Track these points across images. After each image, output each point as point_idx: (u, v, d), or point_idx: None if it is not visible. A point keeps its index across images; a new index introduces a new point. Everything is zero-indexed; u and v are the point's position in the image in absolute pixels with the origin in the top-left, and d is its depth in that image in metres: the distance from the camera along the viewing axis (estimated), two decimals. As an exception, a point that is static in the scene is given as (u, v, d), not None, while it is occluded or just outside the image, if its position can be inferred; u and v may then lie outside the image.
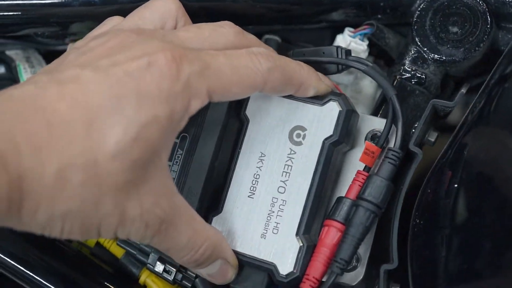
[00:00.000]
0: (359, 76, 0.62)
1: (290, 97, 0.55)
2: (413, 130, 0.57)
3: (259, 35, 0.64)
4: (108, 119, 0.42)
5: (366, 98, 0.63)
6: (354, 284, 0.55)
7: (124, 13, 0.59)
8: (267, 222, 0.54)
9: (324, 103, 0.54)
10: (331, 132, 0.53)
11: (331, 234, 0.52)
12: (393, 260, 0.53)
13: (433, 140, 0.57)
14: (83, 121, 0.41)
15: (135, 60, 0.44)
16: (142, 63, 0.44)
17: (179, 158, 0.55)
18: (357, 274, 0.55)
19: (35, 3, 0.59)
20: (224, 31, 0.51)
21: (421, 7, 0.58)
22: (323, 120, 0.54)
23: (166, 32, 0.50)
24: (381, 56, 0.64)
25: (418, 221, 0.53)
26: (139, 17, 0.52)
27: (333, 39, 0.63)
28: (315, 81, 0.53)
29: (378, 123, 0.56)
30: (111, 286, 0.59)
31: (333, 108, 0.54)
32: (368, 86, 0.63)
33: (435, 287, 0.52)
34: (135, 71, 0.44)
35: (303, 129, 0.54)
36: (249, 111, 0.56)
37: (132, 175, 0.43)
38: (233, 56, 0.48)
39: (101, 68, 0.44)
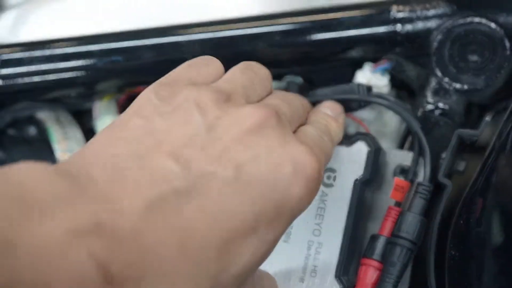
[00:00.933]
0: (382, 110, 0.63)
1: None
2: (441, 161, 0.58)
3: (279, 77, 0.66)
4: (244, 240, 0.39)
5: (391, 131, 0.64)
6: (395, 321, 0.56)
7: (147, 70, 0.61)
8: (305, 266, 0.54)
9: (352, 144, 0.55)
10: (361, 172, 0.54)
11: (369, 274, 0.53)
12: (432, 293, 0.53)
13: (461, 169, 0.58)
14: (218, 244, 0.37)
15: (279, 164, 0.41)
16: (287, 170, 0.41)
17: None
18: (398, 311, 0.55)
19: (62, 67, 0.61)
20: (298, 103, 0.50)
21: (438, 38, 0.59)
22: (352, 160, 0.55)
23: (290, 115, 0.47)
24: (404, 87, 0.64)
25: (453, 252, 0.53)
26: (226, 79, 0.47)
27: (354, 74, 0.64)
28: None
29: (404, 157, 0.57)
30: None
31: (361, 148, 0.55)
32: (392, 119, 0.63)
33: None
34: (279, 182, 0.41)
35: (333, 171, 0.55)
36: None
37: None
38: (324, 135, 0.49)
39: (243, 173, 0.39)
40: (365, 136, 0.55)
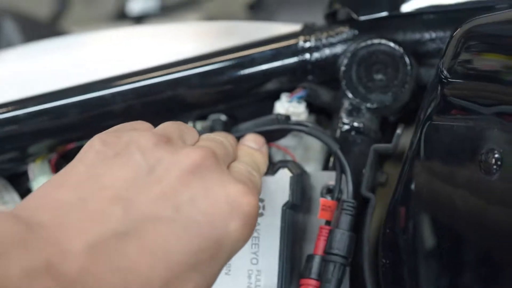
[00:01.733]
0: (304, 135, 0.66)
1: None
2: (363, 177, 0.61)
3: (204, 117, 0.69)
4: (186, 276, 0.41)
5: (316, 153, 0.67)
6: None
7: (74, 127, 0.63)
8: (248, 294, 0.57)
9: (275, 172, 0.58)
10: (287, 198, 0.57)
11: (308, 293, 0.56)
12: (371, 302, 0.57)
13: (383, 181, 0.61)
14: (161, 282, 0.40)
15: (216, 203, 0.44)
16: (224, 208, 0.44)
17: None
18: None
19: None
20: (227, 142, 0.53)
21: (345, 62, 0.63)
22: (278, 187, 0.57)
23: (225, 155, 0.50)
24: (321, 111, 0.68)
25: (384, 261, 0.56)
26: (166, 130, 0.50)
27: (273, 106, 0.68)
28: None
29: (329, 177, 0.60)
30: None
31: (284, 175, 0.58)
32: (314, 143, 0.67)
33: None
34: (217, 220, 0.43)
35: (261, 200, 0.58)
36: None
37: None
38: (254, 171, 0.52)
39: (182, 213, 0.42)
40: (287, 163, 0.58)
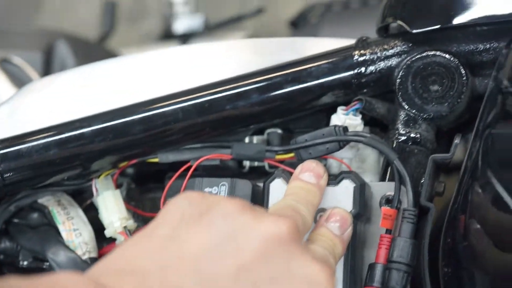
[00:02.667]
0: (360, 146, 0.68)
1: None
2: (421, 186, 0.62)
3: (261, 132, 0.71)
4: None
5: (371, 165, 0.68)
6: None
7: (138, 143, 0.65)
8: (312, 303, 0.58)
9: (338, 183, 0.59)
10: (350, 207, 0.58)
11: (372, 300, 0.57)
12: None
13: (441, 190, 0.62)
14: None
15: (296, 283, 0.44)
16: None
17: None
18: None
19: (58, 154, 0.65)
20: (308, 215, 0.53)
21: (400, 74, 0.64)
22: (341, 197, 0.59)
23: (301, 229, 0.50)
24: (376, 124, 0.69)
25: (446, 270, 0.57)
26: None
27: (329, 119, 0.69)
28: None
29: (387, 187, 0.62)
30: None
31: (347, 185, 0.59)
32: (370, 154, 0.68)
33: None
34: None
35: (324, 210, 0.59)
36: (272, 205, 0.61)
37: None
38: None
39: None
40: (349, 174, 0.59)
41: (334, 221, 0.55)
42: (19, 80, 1.09)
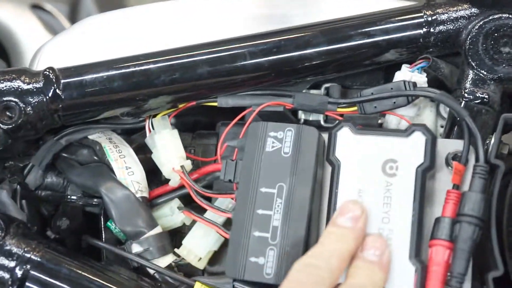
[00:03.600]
0: (420, 107, 0.67)
1: (374, 133, 0.60)
2: (488, 145, 0.62)
3: (318, 86, 0.70)
4: None
5: (428, 126, 0.68)
6: (462, 299, 0.59)
7: (201, 85, 0.64)
8: (378, 252, 0.57)
9: (410, 134, 0.59)
10: (421, 160, 0.58)
11: (440, 253, 0.56)
12: (498, 267, 0.57)
13: (506, 152, 0.62)
14: None
15: None
16: None
17: (280, 207, 0.59)
18: None
19: (121, 86, 0.64)
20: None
21: (471, 35, 0.64)
22: (412, 149, 0.58)
23: None
24: (436, 87, 0.69)
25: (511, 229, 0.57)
26: None
27: (385, 78, 0.69)
28: None
29: (452, 145, 0.61)
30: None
31: (419, 137, 0.59)
32: (428, 116, 0.68)
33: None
34: None
35: (394, 161, 0.59)
36: (339, 154, 0.60)
37: None
38: None
39: None
40: (421, 127, 0.59)
41: (369, 248, 0.56)
42: (51, 27, 1.07)
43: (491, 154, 0.59)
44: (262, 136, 0.61)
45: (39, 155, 0.68)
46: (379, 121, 0.69)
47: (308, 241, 0.59)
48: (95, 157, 0.68)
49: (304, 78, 0.68)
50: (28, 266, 0.62)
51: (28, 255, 0.62)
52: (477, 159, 0.59)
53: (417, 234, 0.57)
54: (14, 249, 0.62)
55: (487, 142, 0.62)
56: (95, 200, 0.68)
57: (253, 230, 0.59)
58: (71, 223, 0.70)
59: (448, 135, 0.65)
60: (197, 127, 0.76)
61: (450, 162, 0.60)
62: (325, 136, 0.62)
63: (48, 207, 0.70)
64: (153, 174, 0.69)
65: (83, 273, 0.62)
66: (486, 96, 0.63)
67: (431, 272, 0.56)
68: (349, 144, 0.60)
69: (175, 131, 0.67)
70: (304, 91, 0.69)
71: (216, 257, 0.68)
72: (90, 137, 0.69)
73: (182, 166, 0.65)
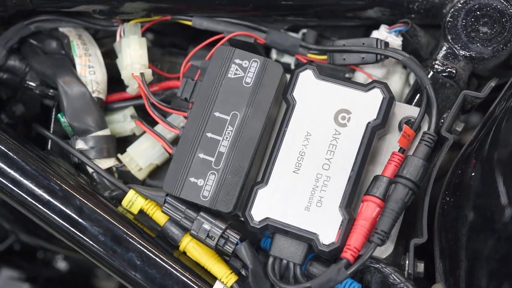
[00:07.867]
0: (390, 70, 0.67)
1: (335, 81, 0.60)
2: (442, 120, 0.62)
3: (296, 29, 0.70)
4: None
5: (394, 92, 0.68)
6: (384, 257, 0.60)
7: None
8: (311, 196, 0.58)
9: (369, 90, 0.59)
10: (374, 117, 0.58)
11: (370, 209, 0.57)
12: (423, 235, 0.58)
13: (460, 130, 0.63)
14: None
15: None
16: None
17: (229, 135, 0.60)
18: (387, 248, 0.60)
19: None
20: None
21: (454, 8, 0.64)
22: (368, 105, 0.59)
23: None
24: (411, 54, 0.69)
25: (448, 199, 0.58)
26: None
27: (366, 35, 0.68)
28: None
29: (410, 111, 0.62)
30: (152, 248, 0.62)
31: (377, 95, 0.59)
32: (396, 82, 0.67)
33: (460, 260, 0.56)
34: None
35: (348, 112, 0.59)
36: (296, 94, 0.60)
37: None
38: None
39: None
40: (382, 85, 0.59)
41: None
42: None
43: (444, 126, 0.60)
44: (226, 61, 0.61)
45: (6, 35, 0.68)
46: (347, 75, 0.69)
47: (249, 173, 0.59)
48: (62, 51, 0.68)
49: (284, 16, 0.68)
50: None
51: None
52: (428, 128, 0.59)
53: (352, 186, 0.58)
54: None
55: (444, 116, 0.62)
56: (51, 91, 0.68)
57: (198, 151, 0.60)
58: (26, 111, 0.70)
59: (409, 102, 0.65)
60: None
61: (403, 126, 0.61)
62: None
63: (7, 91, 0.70)
64: (116, 83, 0.69)
65: (25, 157, 0.62)
66: (454, 71, 0.63)
67: (357, 225, 0.57)
68: (308, 86, 0.61)
69: (144, 39, 0.66)
70: (282, 30, 0.69)
71: (157, 173, 0.69)
72: (60, 29, 0.68)
73: (142, 74, 0.65)
